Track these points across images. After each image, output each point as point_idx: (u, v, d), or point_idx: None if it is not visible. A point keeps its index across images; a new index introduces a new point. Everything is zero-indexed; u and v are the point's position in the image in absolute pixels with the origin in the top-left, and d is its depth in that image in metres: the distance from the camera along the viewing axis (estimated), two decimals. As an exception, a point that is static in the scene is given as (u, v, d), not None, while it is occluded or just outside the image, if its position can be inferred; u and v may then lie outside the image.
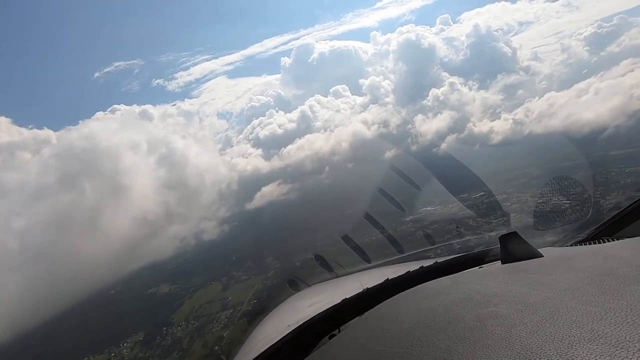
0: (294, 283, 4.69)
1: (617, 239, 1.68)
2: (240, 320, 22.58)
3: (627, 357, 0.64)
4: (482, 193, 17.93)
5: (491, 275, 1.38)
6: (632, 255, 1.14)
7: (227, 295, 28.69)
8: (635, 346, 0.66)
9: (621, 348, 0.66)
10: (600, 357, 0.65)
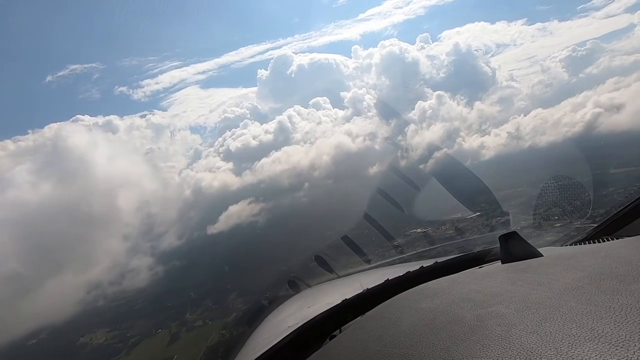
0: (294, 284, 4.68)
1: (617, 238, 1.68)
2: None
3: (627, 356, 0.64)
4: (479, 213, 16.14)
5: (491, 275, 1.38)
6: (632, 254, 1.14)
7: (173, 351, 22.86)
8: (635, 345, 0.66)
9: (621, 347, 0.66)
10: (600, 356, 0.65)
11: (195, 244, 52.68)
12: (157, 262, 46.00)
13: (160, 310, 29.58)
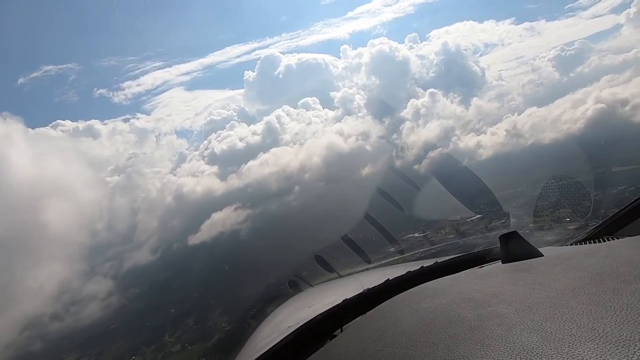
0: (295, 284, 4.69)
1: (617, 238, 1.68)
2: None
3: (627, 355, 0.64)
4: (480, 215, 15.57)
5: (491, 275, 1.38)
6: (632, 254, 1.14)
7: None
8: (636, 345, 0.66)
9: (622, 347, 0.66)
10: (601, 356, 0.65)
11: (175, 256, 48.56)
12: (138, 275, 43.21)
13: (137, 330, 27.09)
